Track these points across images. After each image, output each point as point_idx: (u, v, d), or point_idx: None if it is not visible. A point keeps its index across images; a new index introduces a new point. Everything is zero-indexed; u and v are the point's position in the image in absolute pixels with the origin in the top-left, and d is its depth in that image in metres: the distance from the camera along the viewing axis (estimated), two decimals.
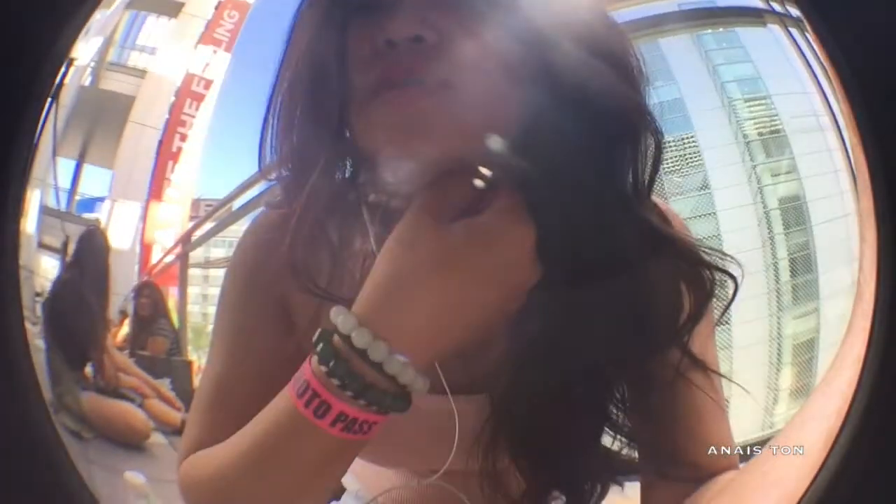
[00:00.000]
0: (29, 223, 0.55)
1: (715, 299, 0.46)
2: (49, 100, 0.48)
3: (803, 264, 0.62)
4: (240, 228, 0.51)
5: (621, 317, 0.44)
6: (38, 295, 0.57)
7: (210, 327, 0.55)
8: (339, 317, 0.41)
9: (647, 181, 0.43)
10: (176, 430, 0.59)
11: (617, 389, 0.48)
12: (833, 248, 0.68)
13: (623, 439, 0.48)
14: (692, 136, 0.50)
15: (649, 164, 0.43)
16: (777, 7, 0.60)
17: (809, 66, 0.59)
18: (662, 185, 0.51)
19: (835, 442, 0.37)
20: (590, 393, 0.47)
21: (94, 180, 0.61)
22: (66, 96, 0.57)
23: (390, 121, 0.42)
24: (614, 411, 0.48)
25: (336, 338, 0.41)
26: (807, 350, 0.65)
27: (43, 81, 0.45)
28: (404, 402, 0.42)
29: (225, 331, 0.52)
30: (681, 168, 0.52)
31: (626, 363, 0.46)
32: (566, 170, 0.41)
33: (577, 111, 0.40)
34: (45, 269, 0.59)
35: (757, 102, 0.59)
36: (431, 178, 0.43)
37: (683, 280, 0.45)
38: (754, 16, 0.61)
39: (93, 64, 0.62)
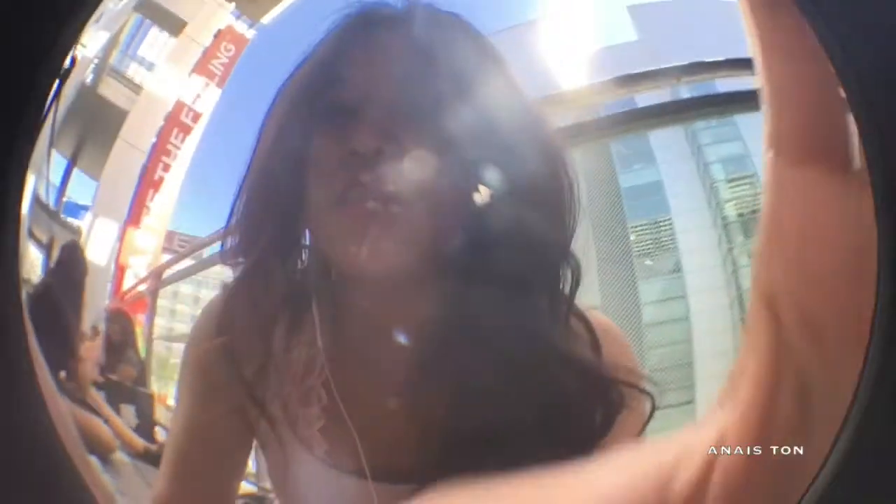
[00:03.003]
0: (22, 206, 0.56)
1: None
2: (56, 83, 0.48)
3: None
4: (211, 270, 0.52)
5: (537, 422, 0.47)
6: (24, 281, 0.58)
7: (174, 360, 0.56)
8: None
9: (562, 311, 0.47)
10: (139, 455, 0.59)
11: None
12: None
13: None
14: (668, 220, 0.50)
15: (566, 294, 0.47)
16: None
17: None
18: (632, 268, 0.51)
19: (835, 441, 0.37)
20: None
21: (81, 187, 0.62)
22: (69, 88, 0.57)
23: (348, 234, 0.46)
24: None
25: None
26: None
27: (52, 62, 0.45)
28: None
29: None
30: (653, 252, 0.52)
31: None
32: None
33: (509, 237, 0.46)
34: (31, 259, 0.59)
35: (741, 182, 0.59)
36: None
37: (591, 395, 0.48)
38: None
39: (96, 61, 0.62)
